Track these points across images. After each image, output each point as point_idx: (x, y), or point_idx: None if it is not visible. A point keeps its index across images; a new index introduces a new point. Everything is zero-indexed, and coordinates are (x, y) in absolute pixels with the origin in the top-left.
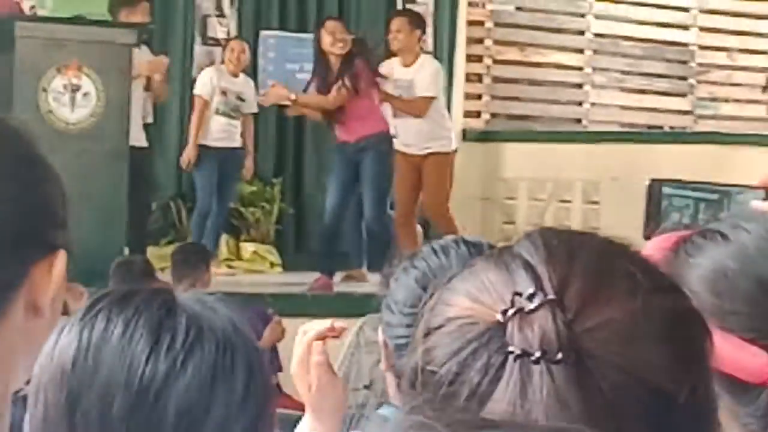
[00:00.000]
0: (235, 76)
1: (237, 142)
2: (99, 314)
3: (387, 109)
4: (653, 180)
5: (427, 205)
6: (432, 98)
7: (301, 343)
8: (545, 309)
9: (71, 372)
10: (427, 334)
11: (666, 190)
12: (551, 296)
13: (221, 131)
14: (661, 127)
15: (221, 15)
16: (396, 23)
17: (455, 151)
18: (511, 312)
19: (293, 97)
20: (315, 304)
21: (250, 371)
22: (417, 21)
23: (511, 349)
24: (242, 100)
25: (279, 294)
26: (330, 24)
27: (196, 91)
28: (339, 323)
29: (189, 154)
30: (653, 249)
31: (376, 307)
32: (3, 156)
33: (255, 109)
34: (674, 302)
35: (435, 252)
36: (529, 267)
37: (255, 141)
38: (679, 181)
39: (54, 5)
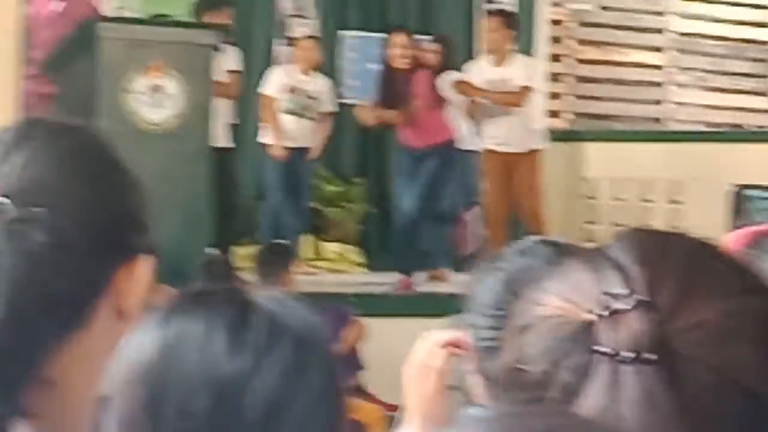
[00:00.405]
0: (306, 74)
1: (309, 142)
2: (178, 313)
3: (460, 112)
4: (737, 184)
5: (524, 204)
6: (530, 88)
7: (425, 348)
8: (637, 309)
9: (151, 370)
10: (517, 334)
11: (750, 193)
12: (643, 297)
13: (291, 130)
14: (742, 127)
15: (302, 15)
16: (492, 23)
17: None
18: (602, 312)
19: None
20: (398, 305)
21: (325, 370)
22: (512, 22)
23: (601, 348)
24: (313, 98)
25: (362, 294)
26: (397, 36)
27: (262, 89)
28: (465, 338)
29: (275, 151)
30: (731, 243)
31: (460, 308)
32: (85, 162)
33: (331, 108)
34: (766, 303)
35: (519, 253)
36: (620, 267)
37: (337, 140)
38: (763, 186)
39: (140, 6)
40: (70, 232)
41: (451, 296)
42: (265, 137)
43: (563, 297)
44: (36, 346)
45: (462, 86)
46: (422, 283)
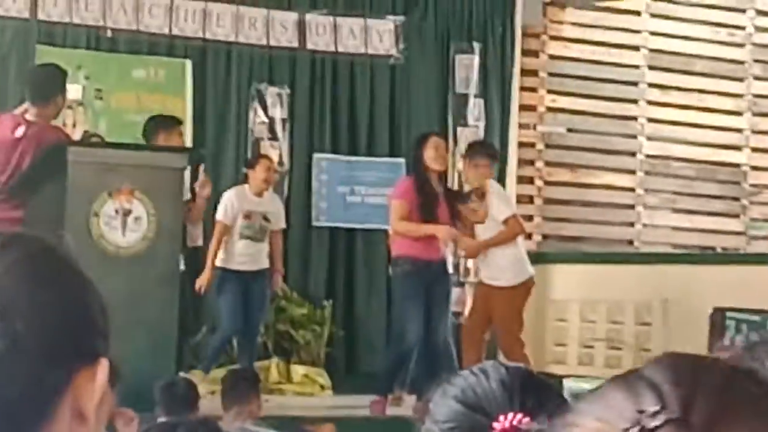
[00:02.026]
0: (260, 195)
1: (263, 264)
2: None
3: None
4: (716, 307)
5: (505, 331)
6: (517, 215)
7: None
8: (669, 427)
9: None
10: None
11: (729, 315)
12: (676, 415)
13: (245, 254)
14: (713, 249)
15: (274, 138)
16: (482, 160)
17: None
18: (635, 430)
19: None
20: (366, 428)
21: None
22: (497, 157)
23: None
24: (268, 220)
25: (329, 417)
26: (435, 139)
27: (218, 216)
28: None
29: (203, 279)
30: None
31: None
32: (39, 267)
33: (283, 225)
34: None
35: (473, 373)
36: (654, 386)
37: (306, 263)
38: (742, 310)
39: (107, 130)
40: (26, 338)
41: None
42: (218, 261)
43: (598, 417)
44: None
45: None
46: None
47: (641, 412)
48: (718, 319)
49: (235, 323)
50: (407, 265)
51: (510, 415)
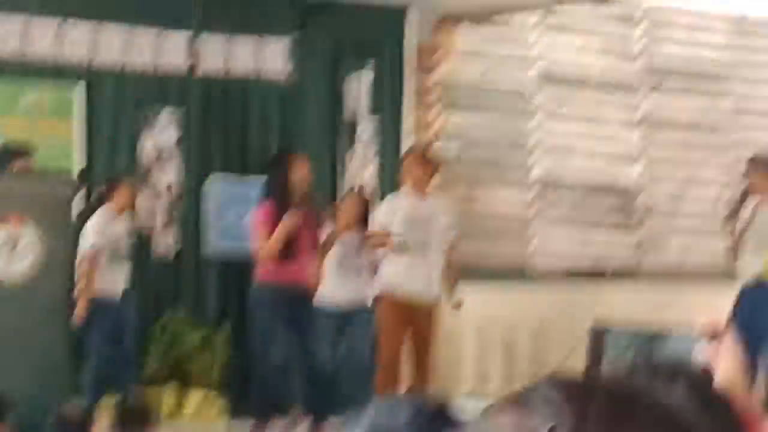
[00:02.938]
0: (120, 215)
1: (127, 284)
2: None
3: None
4: (594, 325)
5: (419, 354)
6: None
7: None
8: None
9: None
10: None
11: (608, 332)
12: (572, 428)
13: (112, 279)
14: (605, 266)
15: (163, 160)
16: (417, 159)
17: None
18: None
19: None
20: None
21: None
22: (429, 157)
23: None
24: (127, 240)
25: None
26: (301, 159)
27: (89, 244)
28: None
29: (83, 312)
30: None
31: None
32: None
33: (130, 248)
34: None
35: (384, 405)
36: (548, 403)
37: (199, 288)
38: (621, 324)
39: None
40: None
41: None
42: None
43: None
44: None
45: (380, 238)
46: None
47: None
48: (597, 338)
49: (110, 352)
50: (268, 291)
51: None
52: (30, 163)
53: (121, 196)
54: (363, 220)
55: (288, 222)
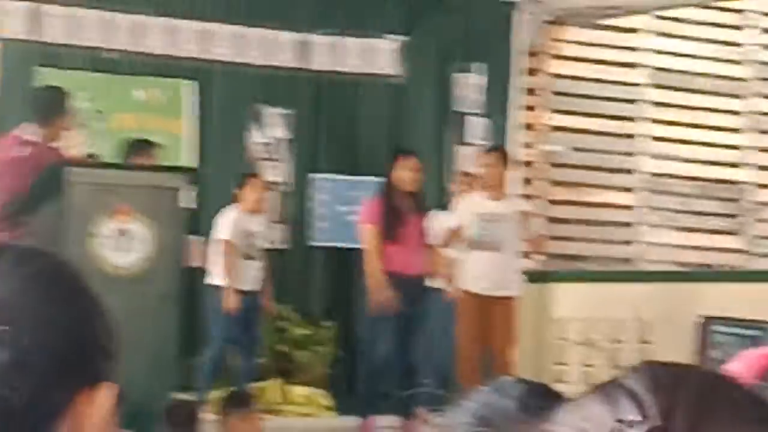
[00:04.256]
0: (254, 215)
1: (259, 284)
2: None
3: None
4: (704, 317)
5: (498, 347)
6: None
7: None
8: None
9: None
10: None
11: (715, 327)
12: (655, 423)
13: (246, 274)
14: (711, 266)
15: (274, 159)
16: (492, 158)
17: None
18: None
19: None
20: None
21: None
22: (506, 157)
23: None
24: (262, 239)
25: None
26: (406, 159)
27: (224, 235)
28: None
29: (231, 301)
30: (744, 370)
31: None
32: (51, 286)
33: (268, 245)
34: None
35: (492, 389)
36: (633, 395)
37: (306, 283)
38: (728, 318)
39: (107, 151)
40: (32, 353)
41: None
42: (216, 280)
43: (576, 427)
44: None
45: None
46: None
47: (620, 421)
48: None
49: (231, 343)
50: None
51: None
52: (153, 158)
53: (252, 193)
54: None
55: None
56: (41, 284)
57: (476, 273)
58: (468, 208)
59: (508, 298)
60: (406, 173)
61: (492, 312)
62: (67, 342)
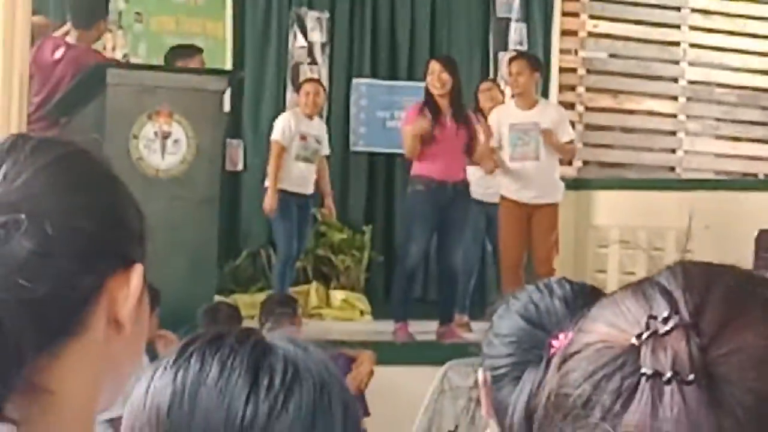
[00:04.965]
0: (311, 118)
1: (312, 188)
2: (192, 356)
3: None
4: (762, 230)
5: (540, 254)
6: (574, 143)
7: None
8: (679, 331)
9: (167, 416)
10: (564, 361)
11: None
12: (687, 320)
13: (301, 177)
14: (756, 175)
15: (313, 62)
16: (516, 66)
17: None
18: (645, 335)
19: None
20: (404, 352)
21: (346, 411)
22: (536, 64)
23: (643, 370)
24: (319, 143)
25: (368, 342)
26: (432, 64)
27: (274, 136)
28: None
29: (270, 201)
30: None
31: (462, 354)
32: (73, 172)
33: (328, 152)
34: None
35: (538, 289)
36: (666, 293)
37: (345, 188)
38: None
39: (147, 53)
40: (56, 239)
41: (456, 345)
42: (274, 184)
43: (609, 323)
44: (22, 353)
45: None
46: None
47: (652, 317)
48: (765, 240)
49: (294, 246)
50: (420, 185)
51: (570, 334)
52: (198, 63)
53: (308, 97)
54: None
55: (416, 125)
56: (60, 170)
57: (517, 184)
58: (500, 119)
59: (551, 205)
60: (429, 77)
61: (535, 220)
62: (94, 226)
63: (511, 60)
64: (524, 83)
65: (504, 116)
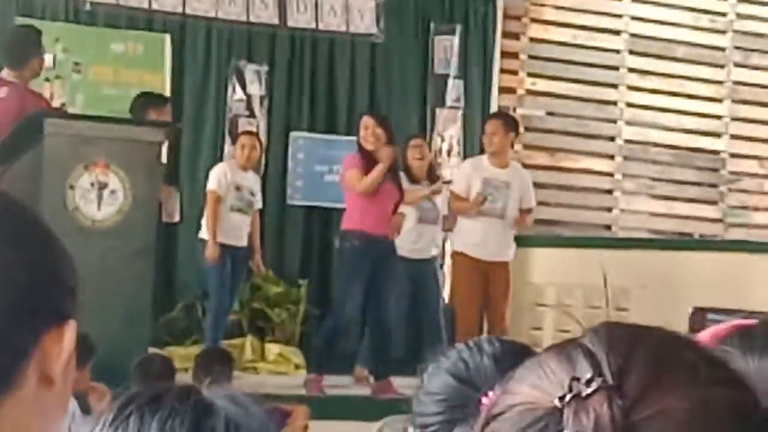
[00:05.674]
0: (245, 170)
1: (245, 240)
2: (132, 416)
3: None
4: (696, 308)
5: (495, 310)
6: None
7: None
8: (602, 394)
9: None
10: (487, 423)
11: (709, 317)
12: (610, 382)
13: (236, 228)
14: (691, 235)
15: (251, 115)
16: (491, 126)
17: None
18: (568, 397)
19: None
20: (338, 408)
21: None
22: (511, 124)
23: None
24: (253, 195)
25: (303, 396)
26: (365, 120)
27: (210, 186)
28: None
29: (211, 251)
30: (708, 336)
31: (398, 411)
32: (13, 225)
33: (260, 205)
34: (736, 396)
35: (468, 346)
36: (589, 354)
37: (282, 241)
38: (723, 310)
39: (84, 103)
40: None
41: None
42: (205, 234)
43: (533, 385)
44: None
45: (460, 204)
46: (350, 385)
47: (575, 379)
48: (699, 319)
49: (227, 298)
50: (355, 240)
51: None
52: (164, 114)
53: (243, 149)
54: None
55: (386, 161)
56: None
57: (476, 239)
58: (472, 172)
59: (506, 263)
60: (363, 132)
61: (492, 278)
62: (25, 282)
63: (486, 119)
64: (498, 143)
65: (477, 169)
